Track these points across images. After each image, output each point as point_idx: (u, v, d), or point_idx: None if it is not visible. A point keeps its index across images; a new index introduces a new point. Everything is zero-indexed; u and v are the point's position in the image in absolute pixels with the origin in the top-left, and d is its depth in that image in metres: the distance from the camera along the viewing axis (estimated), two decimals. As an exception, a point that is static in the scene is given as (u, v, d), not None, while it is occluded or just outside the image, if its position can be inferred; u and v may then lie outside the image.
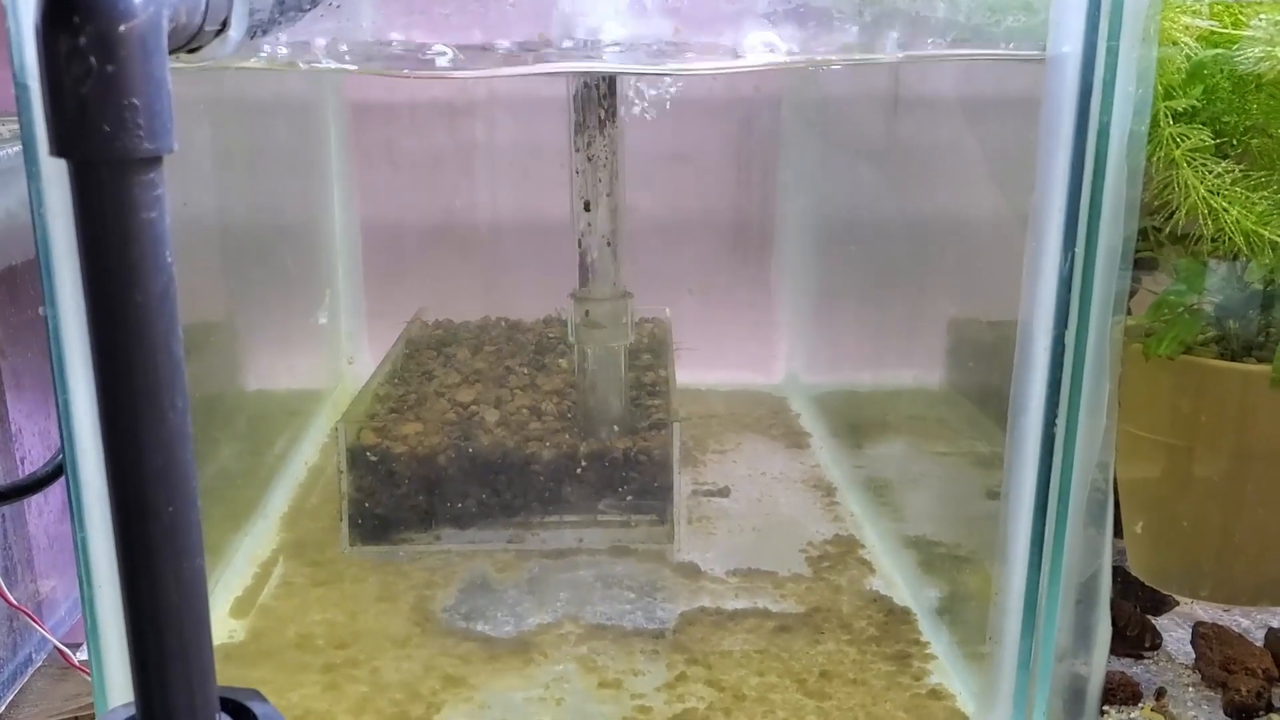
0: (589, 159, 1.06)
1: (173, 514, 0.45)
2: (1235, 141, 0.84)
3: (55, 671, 1.02)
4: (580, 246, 1.10)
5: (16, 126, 1.00)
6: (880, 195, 1.24)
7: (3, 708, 0.96)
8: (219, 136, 1.08)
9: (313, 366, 1.48)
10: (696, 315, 1.52)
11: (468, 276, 1.55)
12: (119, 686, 0.73)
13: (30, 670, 1.02)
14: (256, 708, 0.51)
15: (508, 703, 0.86)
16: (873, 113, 1.25)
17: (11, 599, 0.95)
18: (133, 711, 0.48)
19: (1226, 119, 0.83)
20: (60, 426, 0.69)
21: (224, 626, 0.97)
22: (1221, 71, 0.82)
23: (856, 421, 1.37)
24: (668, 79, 1.04)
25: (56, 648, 0.99)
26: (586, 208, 1.07)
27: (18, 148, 0.96)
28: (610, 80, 1.04)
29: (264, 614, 0.99)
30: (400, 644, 0.94)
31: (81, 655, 0.99)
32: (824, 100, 1.44)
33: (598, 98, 1.04)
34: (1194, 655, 0.93)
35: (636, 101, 1.06)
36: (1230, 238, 0.81)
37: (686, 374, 1.34)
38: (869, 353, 1.32)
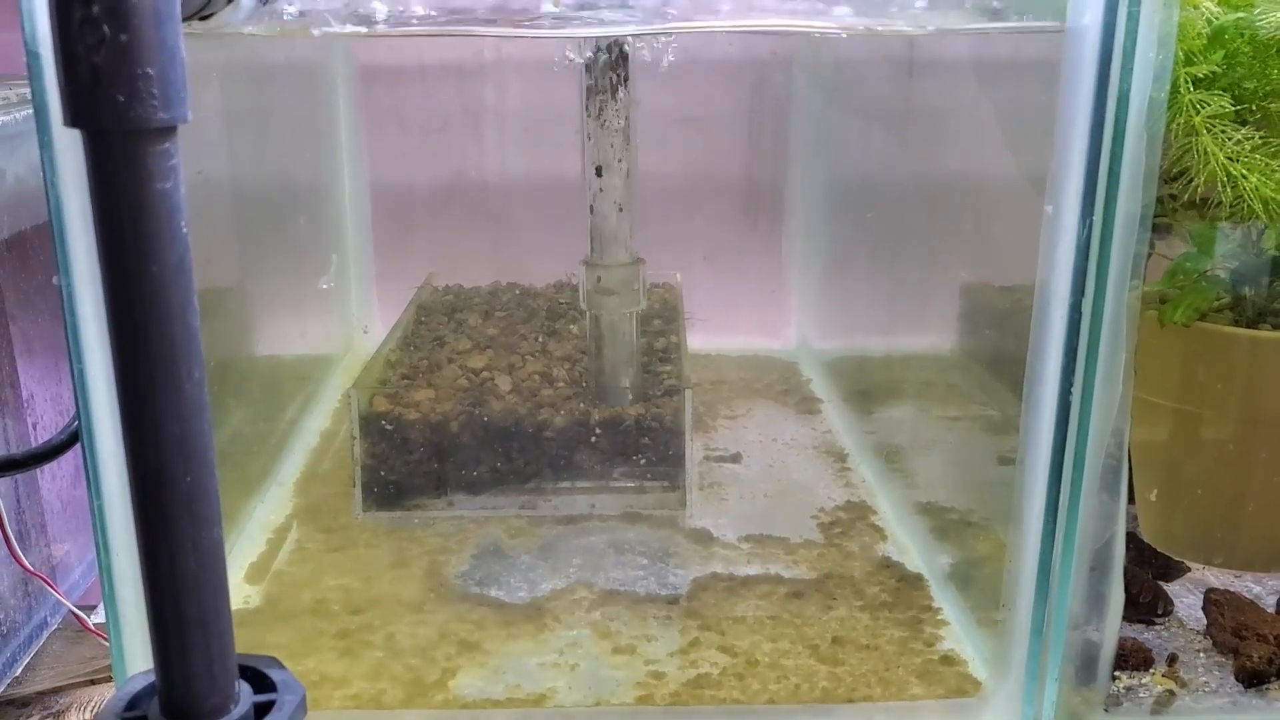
0: (601, 124, 1.05)
1: (191, 483, 0.45)
2: (1255, 107, 0.83)
3: (70, 635, 1.03)
4: (592, 212, 1.09)
5: (23, 90, 1.01)
6: (893, 160, 1.23)
7: (19, 670, 0.97)
8: (227, 102, 1.08)
9: (323, 332, 1.48)
10: (707, 280, 1.52)
11: (478, 241, 1.55)
12: (137, 653, 0.74)
13: (45, 634, 1.03)
14: (275, 675, 0.52)
15: (522, 668, 0.87)
16: (886, 76, 1.24)
17: (26, 563, 0.96)
18: (153, 679, 0.49)
19: (1247, 85, 0.82)
20: (76, 395, 0.69)
21: (239, 593, 0.97)
22: (1242, 36, 0.81)
23: (868, 387, 1.37)
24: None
25: (71, 611, 1.00)
26: (599, 173, 1.07)
27: (25, 112, 0.96)
28: (622, 45, 1.03)
29: (278, 580, 1.00)
30: (415, 609, 0.94)
31: (96, 619, 1.00)
32: (837, 64, 1.43)
33: (610, 61, 1.03)
34: (1205, 622, 0.93)
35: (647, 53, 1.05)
36: (1248, 205, 0.81)
37: (697, 339, 1.34)
38: (880, 318, 1.31)
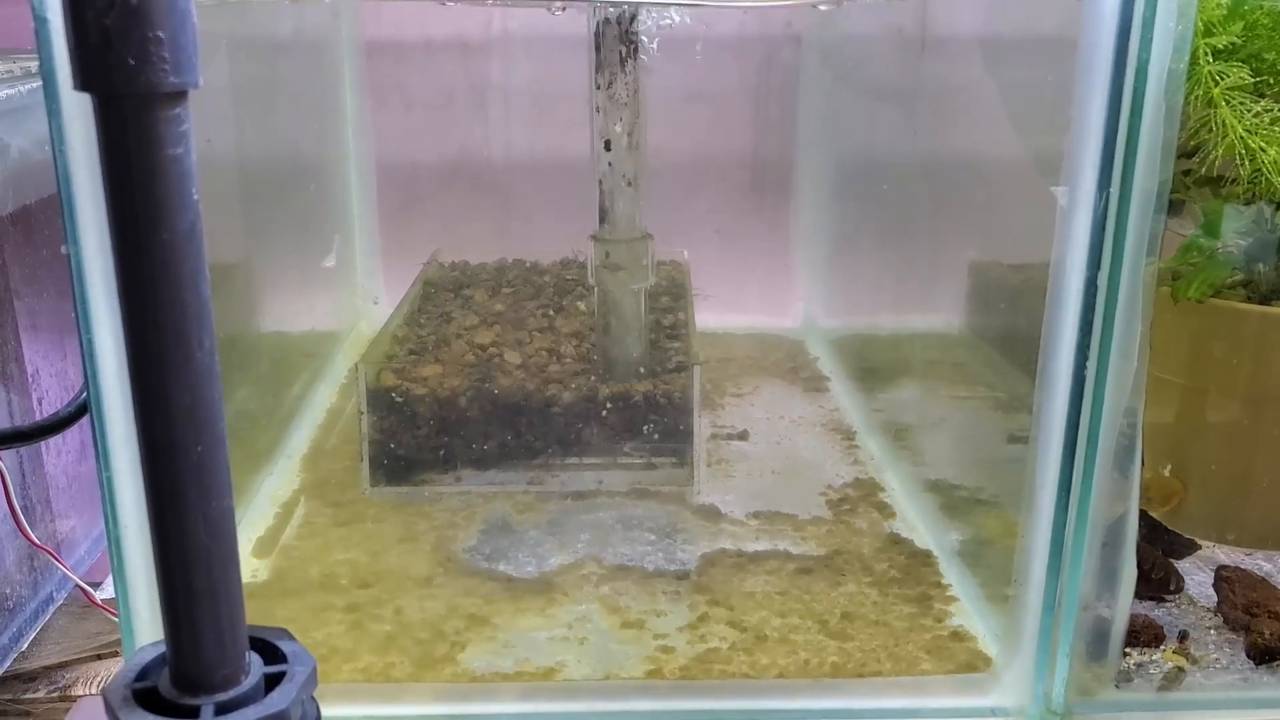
0: (610, 97, 1.04)
1: (201, 454, 0.45)
2: (1274, 80, 0.82)
3: (76, 610, 1.03)
4: (601, 187, 1.08)
5: (27, 64, 1.00)
6: (901, 137, 1.22)
7: (25, 645, 0.97)
8: (233, 74, 1.07)
9: (329, 307, 1.48)
10: (715, 257, 1.51)
11: (484, 217, 1.54)
12: (146, 625, 0.74)
13: (51, 608, 1.02)
14: (285, 646, 0.51)
15: (531, 642, 0.87)
16: (896, 53, 1.23)
17: (34, 537, 0.96)
18: (163, 649, 0.49)
19: (1266, 56, 0.81)
20: (84, 366, 0.68)
21: (247, 566, 0.97)
22: (1262, 8, 0.80)
23: (875, 365, 1.37)
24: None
25: (79, 586, 1.00)
26: (607, 147, 1.06)
27: (30, 85, 0.96)
28: (632, 16, 1.02)
29: (287, 554, 1.00)
30: (423, 584, 0.94)
31: (102, 594, 0.99)
32: (846, 39, 1.42)
33: (619, 34, 1.02)
34: (1216, 599, 0.93)
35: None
36: (1267, 178, 0.80)
37: (704, 317, 1.33)
38: (888, 296, 1.31)
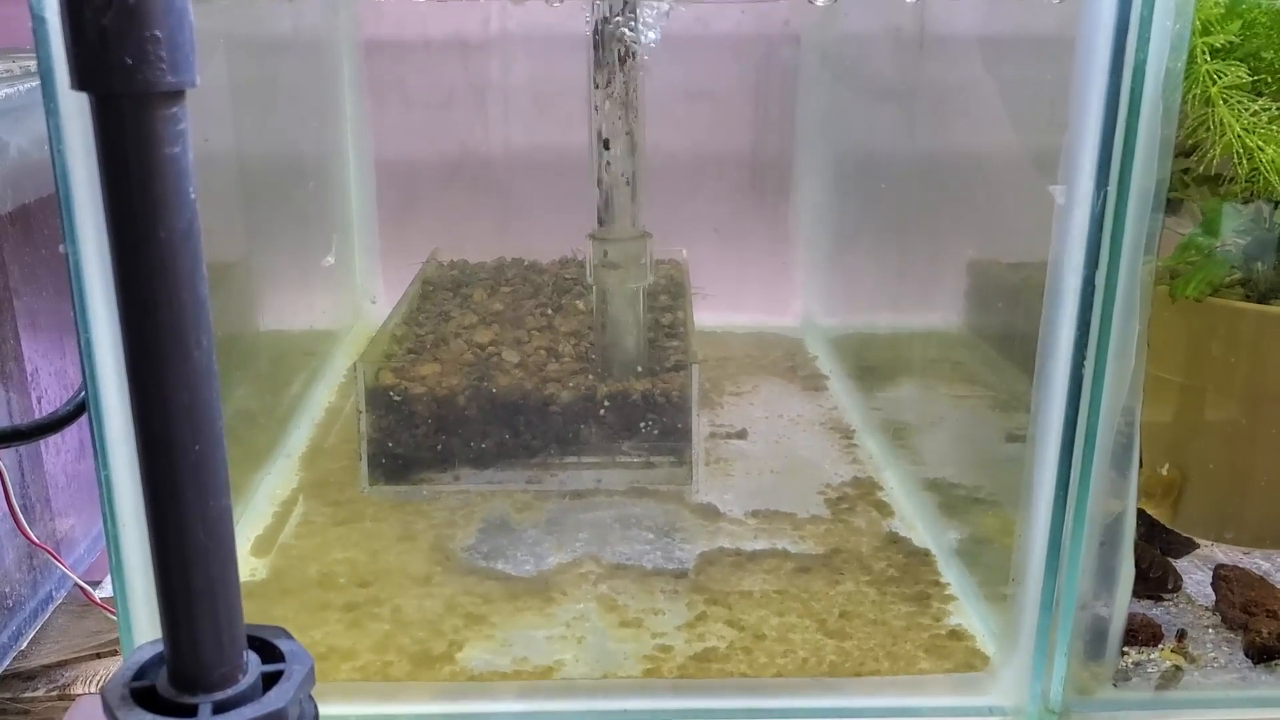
0: (609, 95, 1.04)
1: (199, 453, 0.45)
2: (1271, 79, 0.82)
3: (76, 608, 1.03)
4: (599, 186, 1.08)
5: (26, 63, 1.00)
6: (900, 136, 1.22)
7: (25, 644, 0.97)
8: (231, 73, 1.07)
9: (328, 306, 1.48)
10: (713, 256, 1.51)
11: (483, 217, 1.54)
12: (144, 624, 0.74)
13: (51, 607, 1.03)
14: (283, 645, 0.51)
15: (529, 641, 0.87)
16: (894, 52, 1.23)
17: (33, 536, 0.96)
18: (161, 648, 0.49)
19: (1264, 54, 0.81)
20: (82, 365, 0.68)
21: (245, 565, 0.97)
22: (1259, 6, 0.80)
23: (873, 364, 1.37)
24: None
25: (78, 585, 1.00)
26: (606, 145, 1.06)
27: (29, 85, 0.96)
28: (632, 15, 1.02)
29: (285, 553, 1.00)
30: (421, 582, 0.94)
31: (101, 592, 0.99)
32: (844, 38, 1.42)
33: (618, 32, 1.02)
34: (1214, 598, 0.93)
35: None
36: (1264, 177, 0.80)
37: (703, 315, 1.33)
38: (886, 295, 1.31)
